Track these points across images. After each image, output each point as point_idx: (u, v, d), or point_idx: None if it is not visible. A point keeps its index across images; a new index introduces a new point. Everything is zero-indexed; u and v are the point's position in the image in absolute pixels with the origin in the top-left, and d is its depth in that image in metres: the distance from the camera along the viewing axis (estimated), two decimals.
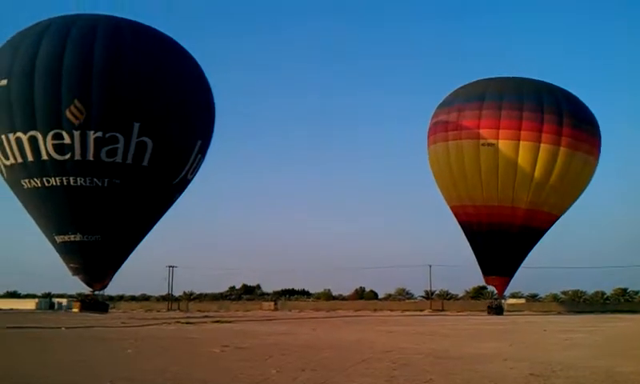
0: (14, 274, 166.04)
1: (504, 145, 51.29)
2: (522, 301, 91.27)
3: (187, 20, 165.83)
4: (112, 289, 52.52)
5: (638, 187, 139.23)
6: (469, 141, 52.31)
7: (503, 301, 65.84)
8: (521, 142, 50.99)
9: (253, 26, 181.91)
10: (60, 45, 37.69)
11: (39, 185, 38.55)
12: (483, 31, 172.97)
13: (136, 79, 38.53)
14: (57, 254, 42.75)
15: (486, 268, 56.98)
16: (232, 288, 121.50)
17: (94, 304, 46.51)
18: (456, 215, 56.90)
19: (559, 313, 71.45)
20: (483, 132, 51.77)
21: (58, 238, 40.78)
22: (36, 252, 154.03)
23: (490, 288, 72.14)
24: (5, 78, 37.75)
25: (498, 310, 60.52)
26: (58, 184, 38.31)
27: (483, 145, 51.67)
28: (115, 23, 40.50)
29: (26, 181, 38.84)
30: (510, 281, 59.05)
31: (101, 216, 39.52)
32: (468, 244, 57.41)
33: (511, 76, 57.19)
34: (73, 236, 40.19)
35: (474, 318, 51.83)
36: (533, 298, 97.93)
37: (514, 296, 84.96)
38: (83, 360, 14.50)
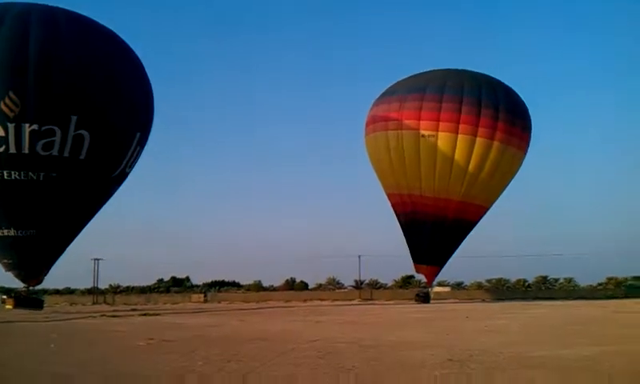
0: None
1: (443, 137, 52.07)
2: (448, 289, 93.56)
3: (122, 7, 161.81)
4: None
5: (560, 177, 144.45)
6: (409, 131, 52.89)
7: (430, 289, 67.23)
8: (459, 135, 51.95)
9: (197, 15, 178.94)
10: None
11: None
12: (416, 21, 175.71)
13: (73, 71, 37.21)
14: None
15: (417, 257, 57.94)
16: (160, 280, 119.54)
17: (28, 300, 45.00)
18: (392, 204, 57.52)
19: (483, 300, 73.61)
20: (424, 123, 52.47)
21: None
22: None
23: (418, 277, 73.69)
24: None
25: (425, 298, 61.87)
26: None
27: (423, 136, 52.44)
28: (50, 12, 38.96)
29: None
30: (439, 271, 60.28)
31: (36, 210, 38.19)
32: (396, 235, 58.33)
33: (452, 68, 58.08)
34: (7, 231, 38.72)
35: (400, 306, 52.91)
36: (458, 286, 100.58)
37: (440, 284, 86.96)
38: (5, 355, 14.18)
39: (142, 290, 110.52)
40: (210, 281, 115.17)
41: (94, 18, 41.75)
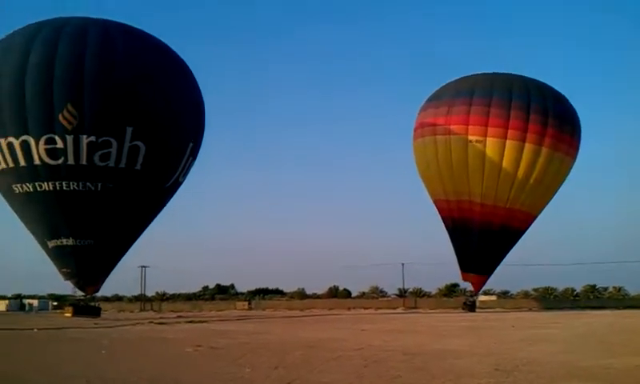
0: None
1: (491, 143, 51.56)
2: (494, 298, 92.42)
3: (174, 21, 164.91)
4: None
5: (608, 186, 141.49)
6: (457, 136, 52.51)
7: (475, 298, 66.54)
8: (507, 141, 51.37)
9: (241, 28, 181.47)
10: (51, 49, 37.10)
11: (31, 190, 38.11)
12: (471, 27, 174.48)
13: (128, 83, 38.18)
14: (48, 258, 42.34)
15: (465, 265, 57.38)
16: (205, 288, 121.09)
17: (86, 308, 46.07)
18: (439, 210, 57.13)
19: (530, 309, 72.51)
20: (472, 129, 52.01)
21: (50, 243, 40.35)
22: (6, 253, 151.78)
23: (463, 285, 73.01)
24: None
25: (471, 306, 61.30)
26: (51, 189, 37.87)
27: (471, 142, 51.98)
28: (106, 26, 40.05)
29: (18, 186, 38.36)
30: (487, 279, 59.65)
31: (93, 220, 39.20)
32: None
33: (500, 72, 57.41)
34: (65, 240, 39.82)
35: (445, 315, 52.49)
36: (504, 294, 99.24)
37: (485, 293, 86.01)
38: (58, 361, 14.61)
39: (188, 298, 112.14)
40: (254, 288, 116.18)
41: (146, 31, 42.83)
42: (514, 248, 57.45)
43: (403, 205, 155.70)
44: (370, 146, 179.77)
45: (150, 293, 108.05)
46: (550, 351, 15.76)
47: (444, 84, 57.97)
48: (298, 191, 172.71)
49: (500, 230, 54.05)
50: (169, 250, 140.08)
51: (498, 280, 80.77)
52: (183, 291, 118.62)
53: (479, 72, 57.70)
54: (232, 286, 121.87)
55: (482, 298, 75.58)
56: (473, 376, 10.74)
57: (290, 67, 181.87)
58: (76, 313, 44.45)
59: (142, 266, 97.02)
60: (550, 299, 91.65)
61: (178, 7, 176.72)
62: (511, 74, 56.36)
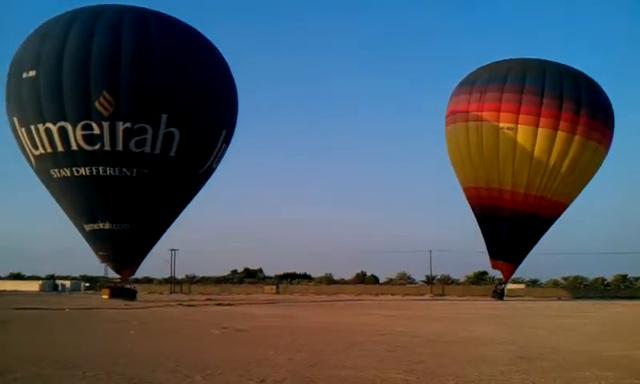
0: (17, 255, 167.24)
1: (523, 130, 50.94)
2: (522, 286, 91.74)
3: (203, 6, 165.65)
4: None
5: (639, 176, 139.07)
6: (489, 123, 52.00)
7: (504, 286, 66.17)
8: (539, 129, 50.71)
9: (273, 11, 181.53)
10: (87, 36, 37.70)
11: (69, 174, 38.88)
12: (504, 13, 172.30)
13: (163, 70, 38.64)
14: (82, 240, 43.31)
15: (494, 252, 57.02)
16: (234, 272, 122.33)
17: (122, 290, 46.90)
18: (469, 198, 56.78)
19: (559, 298, 71.86)
20: (503, 115, 51.45)
21: (87, 227, 41.18)
22: (39, 234, 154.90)
23: (492, 273, 72.54)
24: (33, 69, 37.89)
25: (500, 294, 61.03)
26: (88, 174, 38.63)
27: (502, 128, 51.44)
28: (140, 14, 40.48)
29: (56, 170, 39.17)
30: (516, 267, 59.25)
31: (129, 205, 39.91)
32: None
33: (533, 57, 56.56)
34: (102, 224, 40.58)
35: (472, 302, 52.31)
36: (533, 283, 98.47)
37: (514, 281, 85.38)
38: (87, 340, 14.97)
39: (217, 281, 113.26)
40: (282, 273, 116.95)
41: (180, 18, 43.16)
42: (544, 236, 56.93)
43: (432, 192, 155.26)
44: (399, 131, 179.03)
45: (179, 275, 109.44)
46: (575, 340, 15.68)
47: (477, 67, 57.27)
48: (327, 177, 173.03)
49: (530, 218, 53.52)
50: (198, 234, 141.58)
51: (527, 268, 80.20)
52: (212, 274, 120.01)
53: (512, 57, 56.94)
54: (260, 270, 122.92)
55: (510, 286, 75.06)
56: (495, 363, 10.76)
57: (320, 52, 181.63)
58: (113, 295, 45.19)
59: (172, 249, 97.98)
60: (579, 288, 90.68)
61: None
62: (544, 60, 55.43)
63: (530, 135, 50.86)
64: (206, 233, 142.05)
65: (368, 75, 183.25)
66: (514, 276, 66.06)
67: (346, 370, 9.69)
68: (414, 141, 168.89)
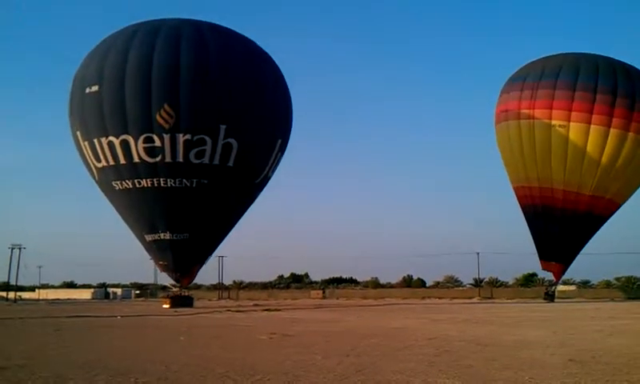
0: (70, 264, 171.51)
1: (575, 127, 50.00)
2: (573, 287, 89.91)
3: (254, 15, 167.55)
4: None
5: None
6: (541, 121, 51.06)
7: (554, 288, 65.07)
8: (592, 126, 49.70)
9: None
10: (148, 50, 38.79)
11: (130, 186, 39.94)
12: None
13: (221, 82, 39.47)
14: (134, 250, 44.50)
15: (545, 253, 56.02)
16: (281, 277, 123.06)
17: (182, 299, 47.74)
18: (519, 197, 55.92)
19: (612, 299, 70.18)
20: (555, 113, 50.52)
21: (148, 237, 42.19)
22: (91, 243, 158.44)
23: (542, 274, 71.28)
24: (96, 84, 39.13)
25: (552, 296, 59.99)
26: (149, 185, 39.61)
27: (554, 126, 50.50)
28: (198, 27, 41.56)
29: (118, 182, 40.28)
30: (567, 268, 58.14)
31: (189, 215, 40.77)
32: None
33: (585, 52, 55.28)
34: (163, 234, 41.51)
35: (522, 305, 51.49)
36: (585, 284, 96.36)
37: (565, 283, 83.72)
38: (138, 347, 15.28)
39: (264, 286, 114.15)
40: (328, 277, 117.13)
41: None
42: (596, 236, 55.68)
43: (479, 192, 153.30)
44: (445, 132, 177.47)
45: (227, 281, 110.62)
46: (628, 343, 15.31)
47: (528, 62, 56.28)
48: (372, 181, 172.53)
49: (582, 217, 52.41)
50: (245, 240, 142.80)
51: (578, 269, 78.52)
52: (259, 280, 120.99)
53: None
54: (306, 275, 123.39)
55: (561, 287, 73.74)
56: (546, 367, 10.61)
57: (370, 63, 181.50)
58: (173, 304, 45.93)
59: (220, 256, 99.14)
60: (633, 289, 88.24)
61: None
62: (597, 55, 54.10)
63: (583, 133, 49.80)
64: (252, 239, 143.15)
65: (413, 77, 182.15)
66: (564, 277, 64.83)
67: (395, 375, 9.68)
68: (460, 141, 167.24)
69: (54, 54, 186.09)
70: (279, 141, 43.39)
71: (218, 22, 43.52)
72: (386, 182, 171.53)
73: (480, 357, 12.18)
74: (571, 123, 49.96)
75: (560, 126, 50.19)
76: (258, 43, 44.16)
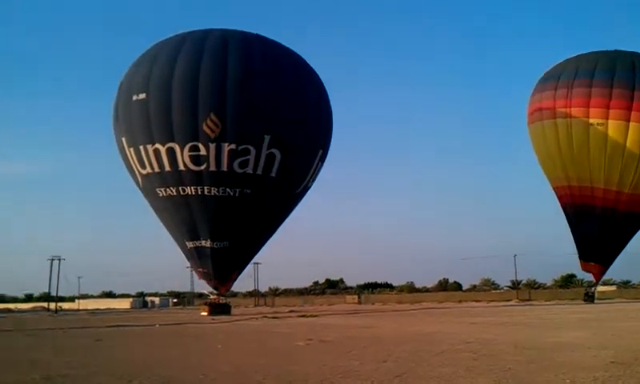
0: (110, 274, 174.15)
1: (613, 125, 49.05)
2: (613, 288, 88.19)
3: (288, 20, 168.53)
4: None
5: None
6: (578, 119, 50.18)
7: (593, 288, 63.93)
8: (631, 123, 48.76)
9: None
10: (195, 60, 39.23)
11: (174, 193, 40.40)
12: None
13: (267, 93, 39.79)
14: (181, 259, 45.15)
15: (585, 254, 55.04)
16: (316, 283, 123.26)
17: (220, 306, 48.11)
18: (559, 197, 54.95)
19: None
20: (593, 111, 49.65)
21: (189, 244, 42.62)
22: (128, 253, 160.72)
23: (580, 276, 70.05)
24: (143, 92, 39.67)
25: (592, 297, 58.96)
26: (193, 193, 40.05)
27: (592, 124, 49.65)
28: (245, 38, 42.07)
29: (162, 189, 40.77)
30: (607, 269, 56.99)
31: (230, 224, 41.12)
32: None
33: (620, 49, 54.25)
34: (204, 242, 41.91)
35: (560, 307, 50.73)
36: (625, 284, 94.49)
37: (604, 283, 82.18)
38: (178, 356, 15.46)
39: (299, 292, 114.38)
40: (362, 282, 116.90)
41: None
42: (637, 234, 54.47)
43: (514, 192, 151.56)
44: (477, 135, 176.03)
45: (262, 288, 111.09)
46: None
47: (559, 61, 55.44)
48: (406, 184, 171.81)
49: (623, 216, 51.27)
50: (280, 247, 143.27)
51: (617, 269, 76.86)
52: (294, 286, 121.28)
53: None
54: (341, 281, 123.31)
55: (600, 288, 72.37)
56: (587, 369, 10.45)
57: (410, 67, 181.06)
58: (212, 312, 46.21)
59: (255, 263, 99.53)
60: None
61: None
62: (632, 52, 53.02)
63: (622, 130, 48.76)
64: (287, 245, 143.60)
65: (448, 81, 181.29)
66: (604, 277, 63.52)
67: (433, 380, 9.65)
68: (492, 142, 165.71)
69: (95, 63, 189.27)
70: (320, 151, 43.64)
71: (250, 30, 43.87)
72: (419, 185, 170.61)
73: (519, 360, 12.05)
74: (609, 121, 48.95)
75: (598, 124, 49.22)
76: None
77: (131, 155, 40.75)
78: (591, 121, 49.25)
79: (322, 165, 44.66)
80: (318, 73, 44.42)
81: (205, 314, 46.56)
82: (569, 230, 55.42)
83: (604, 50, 54.28)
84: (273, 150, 39.65)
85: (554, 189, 55.18)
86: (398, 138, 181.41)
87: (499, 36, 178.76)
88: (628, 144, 48.61)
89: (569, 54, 55.74)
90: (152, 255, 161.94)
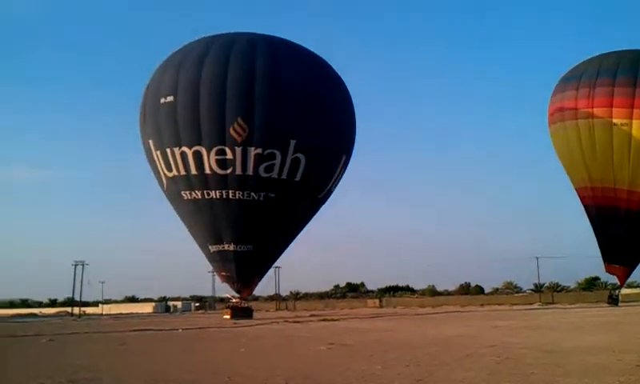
0: (132, 279, 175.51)
1: (637, 125, 48.52)
2: (638, 290, 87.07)
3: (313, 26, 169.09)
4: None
5: None
6: (601, 119, 49.65)
7: (618, 291, 63.14)
8: None
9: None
10: (223, 64, 39.56)
11: (199, 197, 40.68)
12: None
13: (293, 98, 40.07)
14: (207, 262, 45.40)
15: (610, 256, 54.42)
16: (337, 286, 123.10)
17: (242, 310, 48.34)
18: (582, 198, 54.37)
19: None
20: (616, 111, 49.12)
21: (212, 247, 42.84)
22: (152, 258, 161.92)
23: (605, 278, 69.21)
24: (170, 95, 40.07)
25: (616, 300, 58.28)
26: (218, 197, 40.30)
27: (616, 124, 49.11)
28: (271, 42, 42.45)
29: (187, 192, 41.10)
30: (632, 271, 56.27)
31: (254, 227, 41.34)
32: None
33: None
34: (227, 246, 42.13)
35: (584, 310, 50.21)
36: None
37: (629, 285, 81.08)
38: (201, 359, 15.57)
39: (320, 296, 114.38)
40: (384, 286, 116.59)
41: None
42: None
43: (536, 194, 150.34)
44: (498, 136, 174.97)
45: (284, 292, 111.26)
46: None
47: (581, 61, 54.94)
48: (428, 188, 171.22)
49: None
50: (301, 250, 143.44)
51: None
52: (315, 290, 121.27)
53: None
54: (362, 285, 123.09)
55: (625, 290, 71.31)
56: (612, 373, 10.36)
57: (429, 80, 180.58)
58: (234, 315, 46.43)
59: (276, 267, 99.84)
60: None
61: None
62: None
63: None
64: (308, 249, 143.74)
65: (464, 82, 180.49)
66: (629, 280, 62.71)
67: None
68: (515, 143, 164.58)
69: (120, 63, 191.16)
70: (343, 157, 43.82)
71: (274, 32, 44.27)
72: (440, 188, 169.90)
73: (543, 363, 11.97)
74: (634, 121, 48.38)
75: (622, 124, 48.64)
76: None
77: (158, 158, 41.11)
78: (615, 121, 48.66)
79: (344, 170, 44.85)
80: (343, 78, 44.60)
81: (227, 316, 46.76)
82: (592, 231, 54.88)
83: (626, 49, 53.69)
84: (298, 155, 39.82)
85: (576, 190, 54.62)
86: (417, 138, 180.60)
87: (512, 39, 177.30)
88: None
89: (588, 54, 55.06)
90: (174, 259, 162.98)
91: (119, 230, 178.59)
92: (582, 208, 54.79)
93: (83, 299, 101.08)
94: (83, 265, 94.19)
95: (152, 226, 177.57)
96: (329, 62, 44.45)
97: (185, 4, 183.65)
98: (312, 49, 44.58)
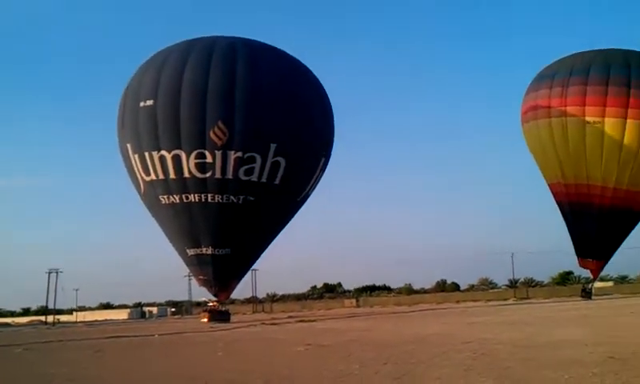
0: (107, 285, 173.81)
1: (610, 123, 49.14)
2: (610, 284, 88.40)
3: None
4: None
5: None
6: (574, 118, 50.33)
7: (591, 285, 64.06)
8: (628, 120, 48.86)
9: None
10: (204, 68, 39.27)
11: (177, 201, 40.30)
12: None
13: (274, 101, 39.92)
14: (183, 266, 45.16)
15: (583, 250, 55.18)
16: (314, 287, 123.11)
17: (220, 313, 48.04)
18: (555, 194, 55.04)
19: None
20: (589, 109, 49.78)
21: (190, 251, 42.49)
22: (125, 264, 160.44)
23: (578, 272, 70.10)
24: (151, 98, 39.57)
25: (589, 294, 59.12)
26: (197, 200, 39.97)
27: (589, 123, 49.75)
28: (252, 46, 42.28)
29: (165, 197, 40.66)
30: (605, 264, 57.12)
31: (233, 231, 41.10)
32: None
33: (615, 47, 54.34)
34: (205, 249, 41.83)
35: (558, 304, 50.85)
36: (622, 279, 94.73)
37: (601, 279, 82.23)
38: (178, 364, 15.50)
39: (297, 298, 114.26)
40: (361, 286, 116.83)
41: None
42: (634, 230, 54.66)
43: (510, 190, 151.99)
44: (474, 131, 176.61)
45: (260, 295, 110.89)
46: None
47: (555, 60, 55.61)
48: (401, 187, 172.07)
49: (620, 212, 51.37)
50: (276, 252, 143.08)
51: (614, 264, 77.04)
52: (292, 292, 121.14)
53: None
54: (339, 285, 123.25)
55: (597, 284, 72.35)
56: (585, 365, 10.54)
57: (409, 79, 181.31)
58: (212, 319, 46.18)
59: (253, 270, 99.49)
60: None
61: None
62: (626, 50, 53.21)
63: (619, 128, 48.82)
64: (284, 251, 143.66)
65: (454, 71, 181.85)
66: (601, 273, 63.67)
67: (433, 381, 9.73)
68: (489, 139, 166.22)
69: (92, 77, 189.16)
70: (322, 160, 43.89)
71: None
72: (413, 186, 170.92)
73: (518, 358, 12.14)
74: (606, 119, 49.07)
75: (595, 122, 49.33)
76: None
77: (135, 162, 40.68)
78: (588, 119, 49.33)
79: (322, 173, 44.85)
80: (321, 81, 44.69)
81: (205, 320, 46.54)
82: (565, 227, 55.64)
83: (599, 48, 54.52)
84: (278, 158, 39.74)
85: (549, 187, 55.32)
86: (387, 135, 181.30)
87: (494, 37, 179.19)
88: (625, 141, 48.70)
89: (561, 54, 55.80)
90: (149, 265, 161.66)
91: (93, 236, 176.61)
92: (555, 204, 55.57)
93: (57, 307, 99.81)
94: (57, 272, 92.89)
95: (127, 231, 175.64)
96: (307, 58, 44.53)
97: (163, 6, 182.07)
98: (293, 44, 44.69)
